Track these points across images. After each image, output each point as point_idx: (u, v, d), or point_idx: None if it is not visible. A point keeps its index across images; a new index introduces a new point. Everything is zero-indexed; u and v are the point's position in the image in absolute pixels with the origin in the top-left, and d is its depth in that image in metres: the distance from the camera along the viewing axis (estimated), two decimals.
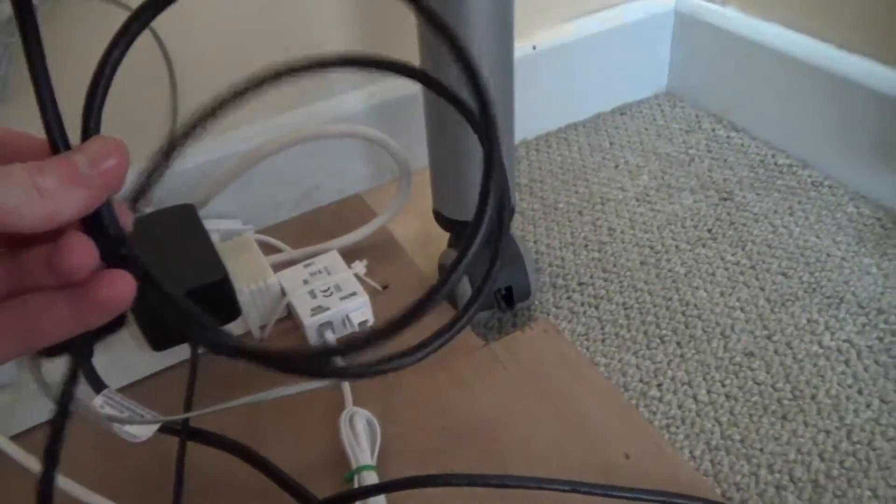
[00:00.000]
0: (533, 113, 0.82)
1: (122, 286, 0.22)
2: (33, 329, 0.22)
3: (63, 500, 0.44)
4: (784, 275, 0.61)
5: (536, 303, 0.61)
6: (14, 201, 0.19)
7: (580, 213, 0.71)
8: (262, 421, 0.52)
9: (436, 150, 0.55)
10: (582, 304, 0.61)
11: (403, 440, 0.50)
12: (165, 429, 0.45)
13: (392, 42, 0.68)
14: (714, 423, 0.50)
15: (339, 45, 0.67)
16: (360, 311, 0.57)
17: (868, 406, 0.50)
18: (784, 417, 0.50)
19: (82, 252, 0.21)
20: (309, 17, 0.66)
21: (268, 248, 0.67)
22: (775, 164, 0.74)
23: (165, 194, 0.63)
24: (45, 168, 0.20)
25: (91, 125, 0.22)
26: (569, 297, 0.62)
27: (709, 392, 0.52)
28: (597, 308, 0.60)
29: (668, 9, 0.83)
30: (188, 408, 0.47)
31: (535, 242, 0.68)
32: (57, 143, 0.21)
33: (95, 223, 0.22)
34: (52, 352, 0.54)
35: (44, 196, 0.19)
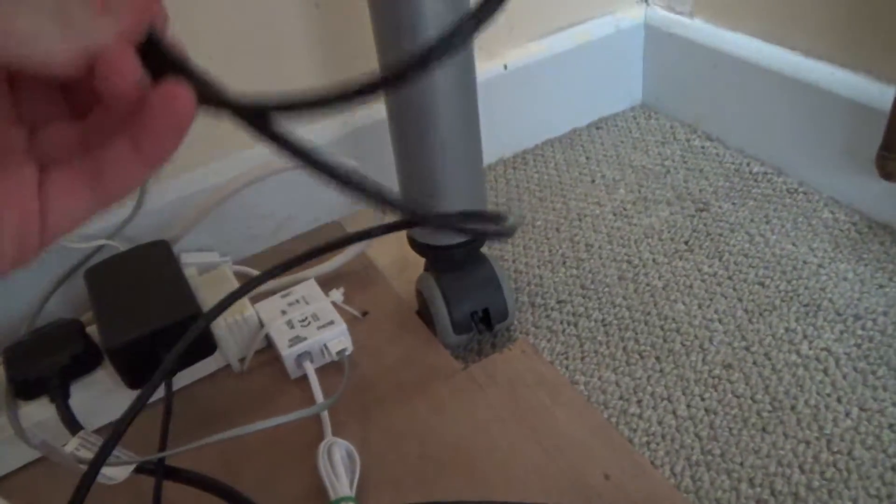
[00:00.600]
0: (509, 131, 0.82)
1: (178, 101, 0.19)
2: (102, 178, 0.20)
3: None
4: (761, 284, 0.61)
5: (515, 322, 0.61)
6: (36, 27, 0.16)
7: (557, 229, 0.71)
8: (239, 456, 0.52)
9: (405, 177, 0.55)
10: (561, 323, 0.61)
11: (382, 469, 0.50)
12: (141, 469, 0.45)
13: (356, 58, 0.69)
14: (694, 439, 0.50)
15: (299, 51, 0.67)
16: (337, 340, 0.57)
17: (847, 415, 0.49)
18: (764, 430, 0.50)
19: (123, 66, 0.18)
20: (270, 23, 0.66)
21: (245, 280, 0.66)
22: (750, 172, 0.75)
23: (140, 232, 0.63)
24: None
25: None
26: (548, 316, 0.61)
27: (688, 406, 0.52)
28: (576, 326, 0.60)
29: (638, 22, 0.84)
30: (163, 447, 0.47)
31: (514, 261, 0.68)
32: None
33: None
34: (29, 394, 0.53)
35: (71, 25, 0.17)
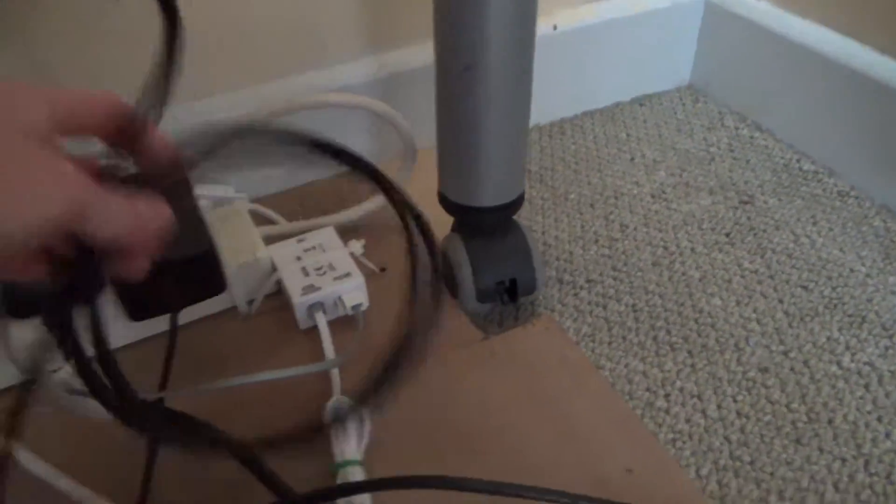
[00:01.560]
0: (548, 97, 0.78)
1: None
2: None
3: (26, 479, 0.41)
4: (804, 288, 0.58)
5: (541, 297, 0.58)
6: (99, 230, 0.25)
7: (592, 205, 0.67)
8: (241, 406, 0.49)
9: (444, 131, 0.51)
10: (589, 303, 0.57)
11: (390, 434, 0.47)
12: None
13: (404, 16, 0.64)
14: (723, 442, 0.47)
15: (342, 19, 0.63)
16: (354, 294, 0.53)
17: (888, 436, 0.47)
18: (798, 441, 0.47)
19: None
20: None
21: (261, 220, 0.63)
22: (800, 169, 0.71)
23: None
24: (135, 200, 0.26)
25: None
26: (575, 295, 0.58)
27: (719, 407, 0.49)
28: (604, 308, 0.57)
29: None
30: (164, 387, 0.44)
31: (543, 234, 0.64)
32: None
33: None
34: (22, 313, 0.50)
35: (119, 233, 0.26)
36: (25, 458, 0.42)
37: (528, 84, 0.50)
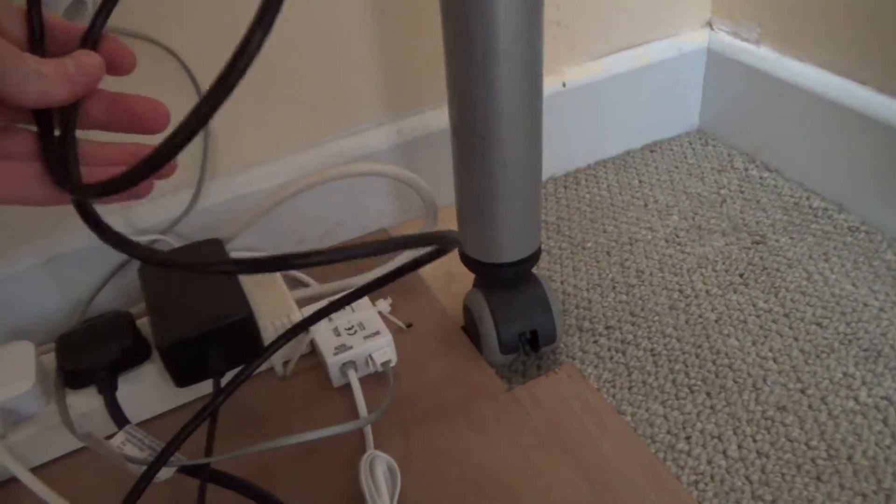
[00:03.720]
0: (562, 149, 0.81)
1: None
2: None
3: None
4: (819, 324, 0.59)
5: (562, 346, 0.60)
6: (21, 76, 0.26)
7: (608, 253, 0.70)
8: (279, 462, 0.52)
9: (463, 192, 0.55)
10: (609, 349, 0.60)
11: (421, 488, 0.49)
12: (184, 469, 0.45)
13: (414, 50, 0.68)
14: (745, 482, 0.48)
15: (359, 58, 0.67)
16: (383, 351, 0.56)
17: None
18: (818, 478, 0.48)
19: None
20: (331, 30, 0.66)
21: (293, 283, 0.67)
22: (810, 206, 0.73)
23: (193, 230, 0.64)
24: (46, 62, 0.27)
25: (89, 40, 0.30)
26: (595, 342, 0.60)
27: (739, 447, 0.50)
28: (624, 354, 0.59)
29: (701, 46, 0.83)
30: (209, 450, 0.47)
31: (562, 283, 0.67)
32: (35, 44, 0.29)
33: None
34: (77, 384, 0.54)
35: (41, 79, 0.27)
36: None
37: (539, 146, 0.53)
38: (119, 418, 0.48)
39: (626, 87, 0.81)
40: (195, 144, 0.64)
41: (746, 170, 0.79)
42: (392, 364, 0.56)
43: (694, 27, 0.83)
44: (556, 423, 0.53)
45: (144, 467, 0.41)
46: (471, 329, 0.60)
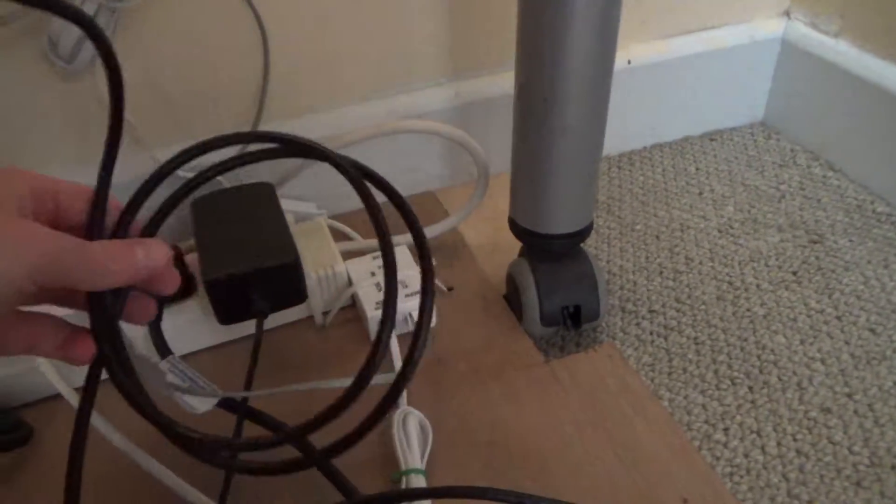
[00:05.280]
0: (619, 129, 0.79)
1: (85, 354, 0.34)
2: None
3: (114, 455, 0.44)
4: (872, 331, 0.57)
5: (603, 325, 0.59)
6: (87, 275, 0.29)
7: (657, 237, 0.69)
8: (311, 407, 0.52)
9: (519, 158, 0.54)
10: (651, 333, 0.58)
11: (451, 449, 0.49)
12: (223, 404, 0.45)
13: (480, 11, 0.67)
14: (781, 479, 0.47)
15: (425, 14, 0.66)
16: None
17: None
18: (858, 484, 0.47)
19: (87, 349, 0.34)
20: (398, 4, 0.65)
21: (339, 235, 0.67)
22: (873, 210, 0.70)
23: (247, 170, 0.64)
24: (117, 257, 0.30)
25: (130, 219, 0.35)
26: (637, 324, 0.59)
27: (778, 444, 0.49)
28: (666, 339, 0.58)
29: (775, 36, 0.80)
30: (249, 386, 0.47)
31: (608, 262, 0.66)
32: (93, 231, 0.33)
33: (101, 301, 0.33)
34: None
35: (109, 276, 0.30)
36: (115, 436, 0.46)
37: (603, 117, 0.52)
38: (163, 348, 0.49)
39: (693, 70, 0.78)
40: (254, 83, 0.64)
41: (809, 167, 0.77)
42: (431, 325, 0.56)
43: (770, 15, 0.80)
44: (592, 399, 0.52)
45: (188, 398, 0.42)
46: (513, 298, 0.60)
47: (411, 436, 0.47)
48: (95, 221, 0.33)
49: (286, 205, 0.63)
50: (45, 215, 0.32)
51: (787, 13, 0.80)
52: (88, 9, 0.51)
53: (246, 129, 0.64)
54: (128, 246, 0.31)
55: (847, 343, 0.56)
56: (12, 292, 0.28)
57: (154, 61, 0.60)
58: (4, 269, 0.27)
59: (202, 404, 0.43)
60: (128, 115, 0.58)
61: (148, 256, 0.31)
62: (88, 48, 0.56)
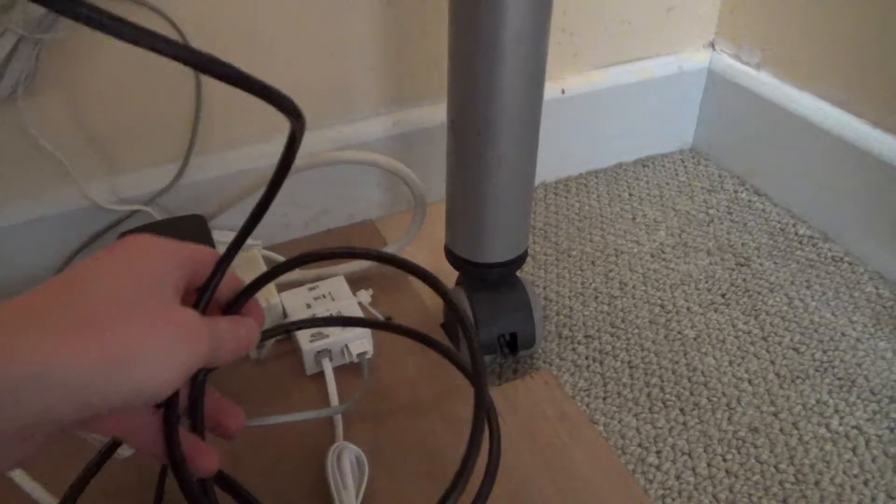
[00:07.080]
0: (555, 156, 0.81)
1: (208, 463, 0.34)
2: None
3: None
4: (796, 350, 0.59)
5: (540, 351, 0.60)
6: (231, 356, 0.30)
7: (593, 262, 0.70)
8: (247, 447, 0.51)
9: (454, 189, 0.54)
10: (586, 358, 0.59)
11: (389, 482, 0.48)
12: None
13: (417, 43, 0.68)
14: (712, 500, 0.48)
15: (362, 46, 0.66)
16: (360, 342, 0.55)
17: (873, 500, 0.48)
18: (785, 502, 0.48)
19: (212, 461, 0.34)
20: (336, 16, 0.65)
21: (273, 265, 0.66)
22: (796, 233, 0.73)
23: (175, 202, 0.62)
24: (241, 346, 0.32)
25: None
26: (573, 349, 0.60)
27: (709, 465, 0.50)
28: (601, 364, 0.59)
29: (702, 66, 0.83)
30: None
31: (545, 289, 0.67)
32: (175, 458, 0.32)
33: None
34: None
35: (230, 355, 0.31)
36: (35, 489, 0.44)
37: (535, 148, 0.53)
38: None
39: (625, 99, 0.81)
40: (186, 116, 0.63)
41: (736, 192, 0.80)
42: (368, 356, 0.55)
43: (697, 46, 0.83)
44: (529, 428, 0.53)
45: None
46: (450, 327, 0.60)
47: (345, 471, 0.46)
48: (211, 296, 0.32)
49: (219, 235, 0.62)
50: (187, 287, 0.30)
51: (712, 45, 0.84)
52: (8, 40, 0.50)
53: (178, 161, 0.63)
54: (243, 324, 0.32)
55: (773, 363, 0.58)
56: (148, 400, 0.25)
57: (81, 96, 0.58)
58: (159, 382, 0.25)
59: (124, 450, 0.42)
60: (53, 149, 0.57)
61: (250, 335, 0.32)
62: (12, 73, 0.54)
